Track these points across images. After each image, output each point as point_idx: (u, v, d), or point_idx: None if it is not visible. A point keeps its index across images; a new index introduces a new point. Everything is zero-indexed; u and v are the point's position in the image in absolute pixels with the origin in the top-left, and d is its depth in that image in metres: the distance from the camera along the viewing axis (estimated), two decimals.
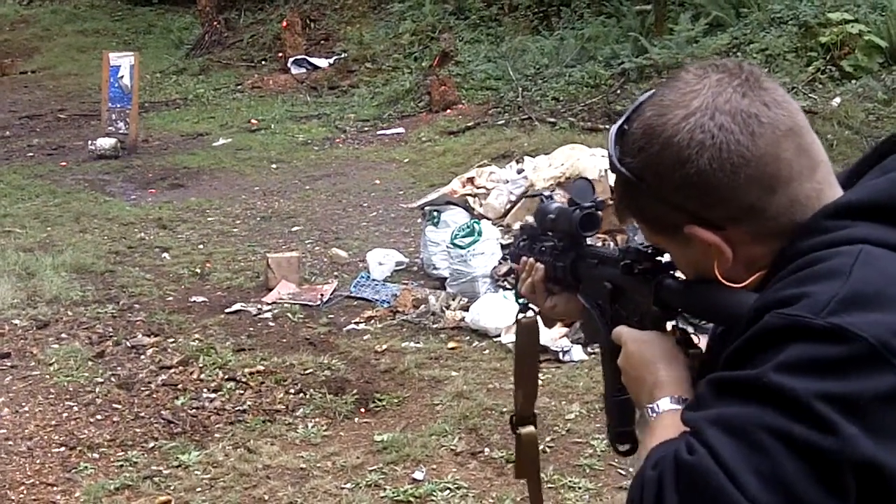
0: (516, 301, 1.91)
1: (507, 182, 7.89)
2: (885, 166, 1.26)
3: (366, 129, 13.25)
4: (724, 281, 1.25)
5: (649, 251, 1.42)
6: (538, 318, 1.92)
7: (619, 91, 11.85)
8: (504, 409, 4.76)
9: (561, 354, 5.37)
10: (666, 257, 1.40)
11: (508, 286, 6.09)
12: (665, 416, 1.26)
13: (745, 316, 1.17)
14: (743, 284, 1.25)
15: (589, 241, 1.67)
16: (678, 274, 1.38)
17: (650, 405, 1.30)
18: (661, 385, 1.31)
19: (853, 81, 10.34)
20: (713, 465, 1.06)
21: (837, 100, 9.84)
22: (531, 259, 1.79)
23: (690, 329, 1.41)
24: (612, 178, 1.34)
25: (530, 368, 2.00)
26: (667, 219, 1.27)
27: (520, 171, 8.00)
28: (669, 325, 1.41)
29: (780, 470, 1.04)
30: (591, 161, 7.16)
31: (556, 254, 1.72)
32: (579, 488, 4.09)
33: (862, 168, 1.32)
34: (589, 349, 5.33)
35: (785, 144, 1.21)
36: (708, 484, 1.06)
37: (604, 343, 1.52)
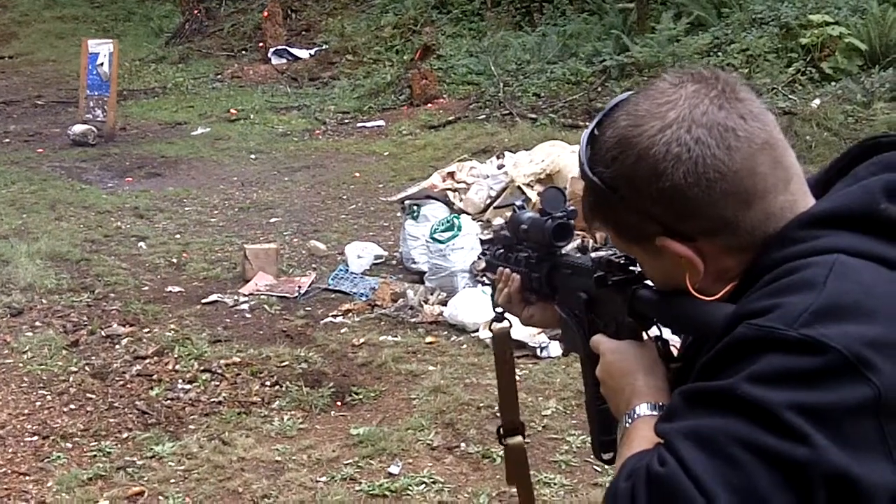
0: (493, 310, 1.91)
1: (488, 177, 7.90)
2: (857, 173, 1.25)
3: (346, 121, 13.21)
4: (694, 293, 1.24)
5: (622, 261, 1.42)
6: (510, 327, 1.94)
7: (600, 88, 11.87)
8: (481, 405, 4.76)
9: (538, 350, 5.37)
10: (639, 267, 1.39)
11: (487, 282, 6.08)
12: (641, 424, 1.25)
13: (718, 327, 1.16)
14: (715, 297, 1.24)
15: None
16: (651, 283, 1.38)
17: (628, 412, 1.30)
18: (639, 393, 1.30)
19: (833, 83, 10.39)
20: (683, 478, 1.05)
21: (817, 101, 9.88)
22: (507, 269, 1.79)
23: (674, 339, 1.41)
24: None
25: (509, 377, 2.01)
26: (639, 229, 1.26)
27: (500, 167, 8.02)
28: (650, 336, 1.41)
29: (751, 481, 1.03)
30: (571, 158, 7.17)
31: (531, 264, 1.72)
32: (555, 484, 4.09)
33: (832, 173, 1.31)
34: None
35: (761, 158, 1.20)
36: (678, 497, 1.05)
37: (582, 353, 1.51)
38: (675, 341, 1.42)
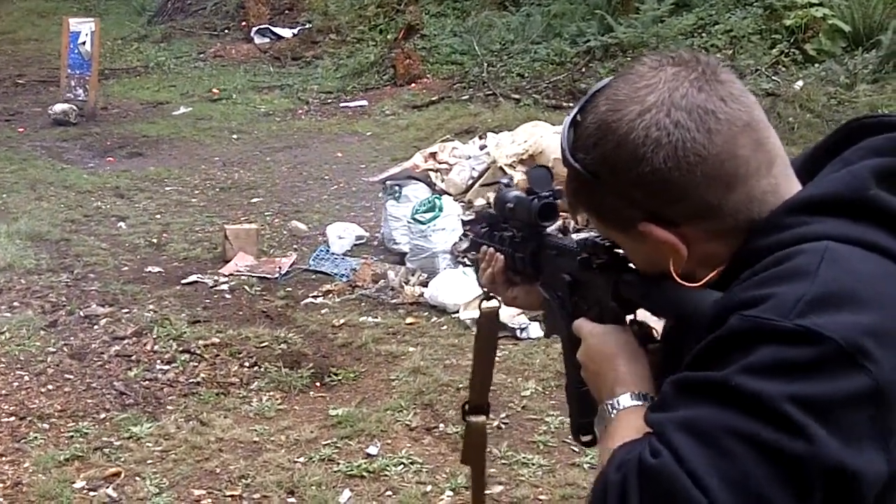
0: (481, 287, 1.88)
1: (470, 158, 7.87)
2: (845, 158, 1.23)
3: (329, 101, 13.15)
4: (678, 279, 1.22)
5: (607, 244, 1.39)
6: (500, 307, 1.91)
7: (584, 69, 11.84)
8: (460, 386, 4.75)
9: (518, 332, 5.37)
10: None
11: (468, 263, 6.07)
12: (626, 414, 1.24)
13: (704, 314, 1.14)
14: (700, 283, 1.22)
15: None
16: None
17: (610, 401, 1.28)
18: (621, 381, 1.29)
19: (816, 65, 10.40)
20: (678, 470, 1.03)
21: (800, 83, 9.89)
22: (491, 248, 1.76)
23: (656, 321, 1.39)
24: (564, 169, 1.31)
25: (488, 357, 1.98)
26: (621, 215, 1.24)
27: (482, 148, 7.99)
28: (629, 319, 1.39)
29: (747, 474, 1.01)
30: (554, 139, 7.14)
31: (515, 243, 1.68)
32: (533, 464, 4.09)
33: (818, 154, 1.29)
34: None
35: (742, 140, 1.18)
36: (673, 489, 1.02)
37: (564, 335, 1.49)
38: (653, 322, 1.40)
